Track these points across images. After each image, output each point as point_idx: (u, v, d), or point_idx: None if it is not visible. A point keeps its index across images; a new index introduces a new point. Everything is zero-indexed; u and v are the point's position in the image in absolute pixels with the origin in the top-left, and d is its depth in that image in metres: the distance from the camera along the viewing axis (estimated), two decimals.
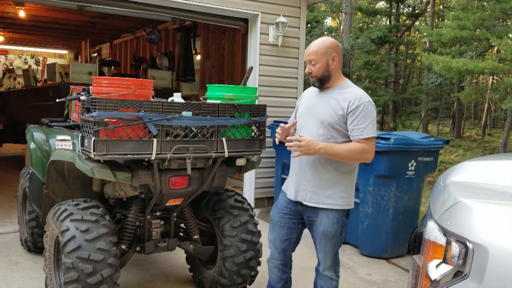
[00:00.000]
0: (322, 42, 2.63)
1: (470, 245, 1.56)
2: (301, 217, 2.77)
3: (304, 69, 2.74)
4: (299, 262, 3.39)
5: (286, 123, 2.81)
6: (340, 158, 2.53)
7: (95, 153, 2.46)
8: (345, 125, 2.55)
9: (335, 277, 2.73)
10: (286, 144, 2.59)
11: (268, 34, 5.97)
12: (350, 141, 2.56)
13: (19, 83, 13.70)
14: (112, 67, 10.92)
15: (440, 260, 1.68)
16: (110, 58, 12.58)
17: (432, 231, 1.79)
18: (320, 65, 2.59)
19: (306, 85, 2.82)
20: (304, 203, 2.67)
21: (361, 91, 2.62)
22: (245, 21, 6.05)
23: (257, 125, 2.94)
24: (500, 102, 17.15)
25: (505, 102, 11.51)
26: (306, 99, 2.80)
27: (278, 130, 2.67)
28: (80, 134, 2.73)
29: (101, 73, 9.19)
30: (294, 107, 2.93)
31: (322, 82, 2.64)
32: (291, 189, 2.75)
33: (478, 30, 13.26)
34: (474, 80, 20.38)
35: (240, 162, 3.09)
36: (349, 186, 2.67)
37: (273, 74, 6.06)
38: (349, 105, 2.53)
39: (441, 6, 23.56)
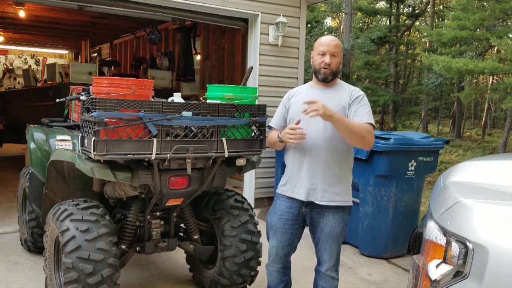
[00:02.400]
0: (337, 39, 2.74)
1: (470, 245, 1.56)
2: (303, 220, 2.75)
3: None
4: (299, 262, 3.39)
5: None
6: (350, 130, 2.49)
7: (95, 153, 2.46)
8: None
9: (336, 276, 2.75)
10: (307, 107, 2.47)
11: (268, 34, 5.97)
12: None
13: (19, 83, 13.70)
14: (112, 67, 10.92)
15: (440, 260, 1.68)
16: (110, 58, 12.58)
17: (432, 231, 1.79)
18: (339, 59, 2.70)
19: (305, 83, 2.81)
20: (316, 202, 2.64)
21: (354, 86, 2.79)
22: (245, 21, 6.05)
23: (257, 125, 2.94)
24: (500, 102, 17.16)
25: (505, 102, 11.50)
26: (303, 97, 2.71)
27: (291, 132, 2.54)
28: (80, 134, 2.73)
29: (101, 73, 9.19)
30: None
31: (333, 77, 2.71)
32: (299, 189, 2.67)
33: (478, 30, 13.27)
34: (474, 80, 20.39)
35: (240, 162, 3.09)
36: (350, 183, 2.75)
37: (273, 74, 6.06)
38: (351, 95, 2.67)
39: (441, 6, 23.56)
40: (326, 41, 2.68)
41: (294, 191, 2.70)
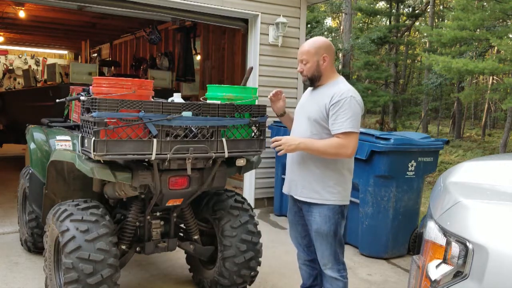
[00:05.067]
0: (313, 42, 2.72)
1: (470, 246, 1.56)
2: None
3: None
4: None
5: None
6: (318, 152, 2.60)
7: (95, 153, 2.46)
8: (328, 121, 2.60)
9: (340, 278, 2.69)
10: (271, 145, 2.71)
11: (268, 35, 5.97)
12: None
13: (19, 83, 13.69)
14: (112, 67, 10.92)
15: (440, 261, 1.68)
16: (110, 58, 12.58)
17: (432, 232, 1.79)
18: (311, 64, 2.68)
19: (306, 86, 2.87)
20: (296, 197, 2.76)
21: (347, 86, 2.63)
22: (245, 21, 6.05)
23: (257, 125, 2.95)
24: (500, 102, 17.15)
25: (505, 102, 11.50)
26: (302, 98, 2.92)
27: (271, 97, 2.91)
28: (80, 135, 2.73)
29: (101, 74, 9.18)
30: (294, 107, 2.97)
31: (313, 81, 2.73)
32: (285, 183, 2.88)
33: (478, 30, 13.26)
34: (474, 81, 20.39)
35: (240, 162, 3.09)
36: (340, 183, 2.65)
37: (273, 75, 6.06)
38: (331, 99, 2.58)
39: (441, 7, 23.57)
40: (299, 50, 2.76)
41: (284, 185, 2.91)
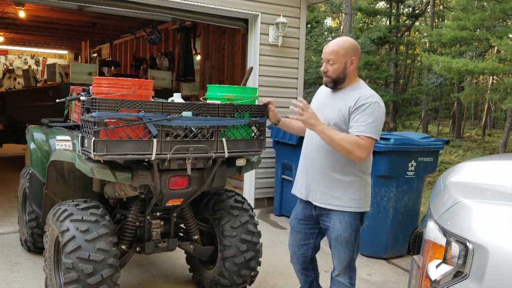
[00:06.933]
0: (343, 42, 2.57)
1: (470, 246, 1.56)
2: (316, 222, 2.73)
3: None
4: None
5: None
6: (331, 140, 2.43)
7: (95, 153, 2.46)
8: (348, 123, 2.51)
9: (348, 284, 2.65)
10: (291, 107, 2.52)
11: (268, 35, 5.97)
12: None
13: (19, 83, 13.70)
14: (112, 67, 10.92)
15: (440, 261, 1.68)
16: (110, 58, 12.58)
17: (432, 232, 1.79)
18: (338, 66, 2.54)
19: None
20: (314, 203, 2.65)
21: (371, 91, 2.55)
22: (245, 21, 6.05)
23: (257, 125, 2.94)
24: (500, 102, 17.15)
25: (505, 102, 11.51)
26: (318, 98, 2.78)
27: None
28: (80, 135, 2.73)
29: (101, 74, 9.19)
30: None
31: (336, 84, 2.59)
32: (301, 188, 2.74)
33: (478, 30, 13.27)
34: (474, 81, 20.39)
35: (240, 162, 3.09)
36: (361, 189, 2.61)
37: (273, 75, 6.06)
38: (356, 102, 2.48)
39: (441, 6, 23.58)
40: (325, 47, 2.60)
41: (297, 189, 2.79)
